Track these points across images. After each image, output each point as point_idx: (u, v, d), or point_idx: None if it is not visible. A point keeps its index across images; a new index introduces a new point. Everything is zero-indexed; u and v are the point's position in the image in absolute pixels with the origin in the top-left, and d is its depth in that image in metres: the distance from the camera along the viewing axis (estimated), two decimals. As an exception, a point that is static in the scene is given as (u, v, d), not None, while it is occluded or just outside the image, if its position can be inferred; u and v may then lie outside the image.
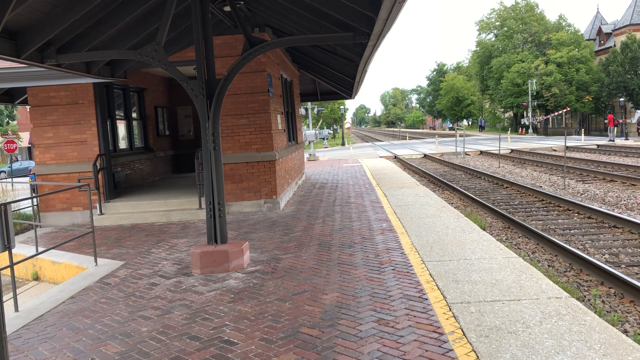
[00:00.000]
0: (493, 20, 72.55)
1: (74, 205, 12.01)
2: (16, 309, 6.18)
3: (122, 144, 14.05)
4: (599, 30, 61.01)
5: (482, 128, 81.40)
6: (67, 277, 8.15)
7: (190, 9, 7.47)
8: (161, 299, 6.17)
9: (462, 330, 4.63)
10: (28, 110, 12.15)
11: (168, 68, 7.32)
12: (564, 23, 66.00)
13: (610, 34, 58.34)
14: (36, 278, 9.43)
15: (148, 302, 6.09)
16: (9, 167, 27.24)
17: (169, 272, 7.31)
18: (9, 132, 36.86)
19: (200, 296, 6.16)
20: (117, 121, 13.55)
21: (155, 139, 16.00)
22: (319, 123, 62.09)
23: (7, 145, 26.84)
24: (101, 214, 11.59)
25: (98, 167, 11.52)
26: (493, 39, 73.20)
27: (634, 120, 43.07)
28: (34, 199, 11.76)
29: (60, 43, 8.04)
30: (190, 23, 9.58)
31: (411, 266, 6.72)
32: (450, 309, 5.15)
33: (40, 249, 8.57)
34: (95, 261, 8.04)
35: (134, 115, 14.84)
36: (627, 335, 4.69)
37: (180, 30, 10.46)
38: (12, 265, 6.11)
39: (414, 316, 5.02)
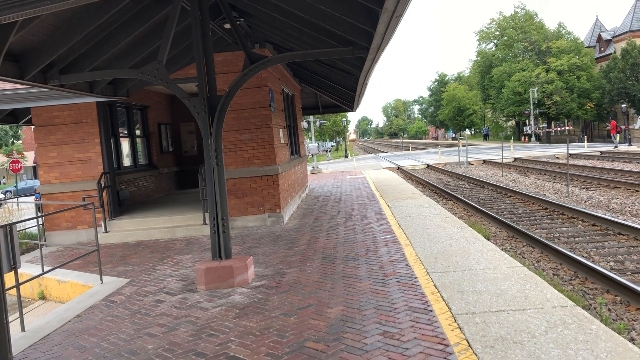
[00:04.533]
0: (493, 30, 72.90)
1: (79, 223, 12.06)
2: (22, 329, 6.20)
3: (126, 162, 14.13)
4: (599, 37, 61.17)
5: (486, 137, 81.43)
6: (73, 295, 8.17)
7: (190, 27, 7.56)
8: (167, 315, 6.19)
9: (467, 341, 4.62)
10: (32, 129, 12.24)
11: (170, 86, 7.39)
12: (563, 31, 66.26)
13: (610, 40, 58.49)
14: (42, 297, 9.46)
15: (154, 319, 6.10)
16: (15, 186, 27.41)
17: (174, 289, 7.32)
18: (14, 151, 37.09)
19: (206, 312, 6.17)
20: (121, 139, 13.64)
21: (159, 155, 16.09)
22: (316, 135, 62.15)
23: (13, 165, 27.01)
24: (106, 231, 11.63)
25: (102, 185, 11.59)
26: (493, 48, 73.50)
27: (637, 126, 43.04)
28: (39, 218, 11.82)
29: (63, 64, 8.14)
30: (191, 41, 9.69)
31: (416, 278, 6.72)
32: (455, 320, 5.14)
33: (46, 268, 8.59)
34: (101, 279, 8.07)
35: (138, 132, 14.94)
36: (633, 344, 4.69)
37: (182, 48, 10.57)
38: (18, 285, 6.14)
39: (419, 328, 5.02)
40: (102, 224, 11.64)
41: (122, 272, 8.65)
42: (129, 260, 9.49)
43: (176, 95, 7.50)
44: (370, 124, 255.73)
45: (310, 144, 37.10)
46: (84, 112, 11.88)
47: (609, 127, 45.67)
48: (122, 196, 12.97)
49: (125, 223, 11.83)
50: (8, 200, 21.43)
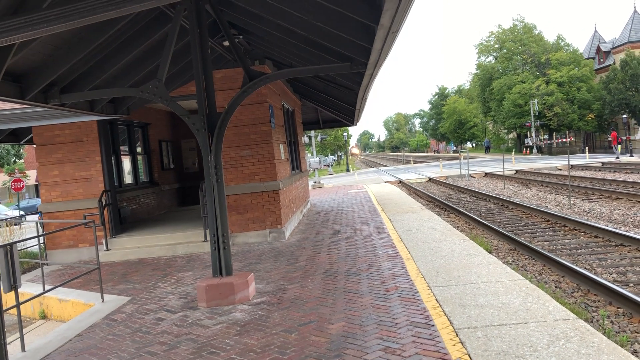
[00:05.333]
0: (492, 43, 73.25)
1: (80, 242, 12.06)
2: (23, 349, 6.17)
3: (128, 179, 14.16)
4: (598, 49, 61.43)
5: (487, 149, 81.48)
6: (74, 314, 8.15)
7: (190, 45, 7.62)
8: (167, 333, 6.16)
9: (469, 356, 4.59)
10: (34, 148, 12.29)
11: (169, 104, 7.44)
12: (562, 43, 66.54)
13: (609, 52, 58.73)
14: (43, 316, 9.43)
15: (155, 337, 6.08)
16: (16, 205, 27.48)
17: (175, 307, 7.30)
18: (16, 170, 37.18)
19: (207, 330, 6.15)
20: (122, 156, 13.70)
21: (160, 172, 16.13)
22: (317, 150, 62.25)
23: (15, 184, 27.06)
24: (107, 249, 11.62)
25: (104, 203, 11.60)
26: (493, 61, 73.79)
27: (638, 136, 43.04)
28: (41, 237, 11.83)
29: (63, 83, 8.21)
30: (190, 59, 9.75)
31: (417, 292, 6.69)
32: (457, 334, 5.11)
33: (47, 287, 8.59)
34: (102, 297, 8.05)
35: (139, 149, 15.00)
36: (636, 356, 4.65)
37: (181, 66, 10.65)
38: (18, 305, 6.13)
39: (421, 343, 4.99)
40: (104, 242, 11.64)
41: (123, 290, 8.63)
42: (130, 278, 9.47)
43: (176, 112, 7.55)
44: (372, 138, 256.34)
45: (311, 159, 37.17)
46: (84, 130, 11.94)
47: (610, 138, 45.70)
48: (123, 214, 12.98)
49: (127, 241, 11.83)
50: (12, 219, 21.46)
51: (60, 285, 8.31)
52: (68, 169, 12.02)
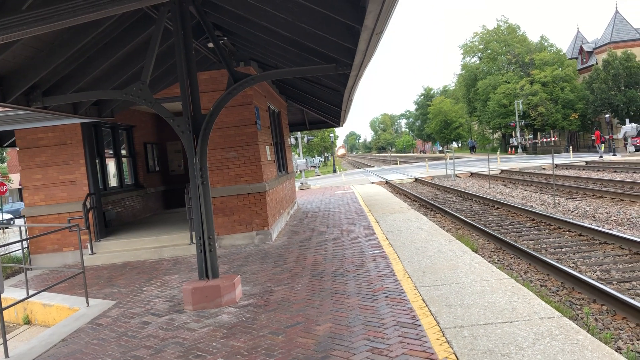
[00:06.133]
0: (477, 43, 73.79)
1: (64, 245, 11.94)
2: (6, 355, 6.09)
3: (113, 182, 14.05)
4: (581, 49, 62.12)
5: (473, 149, 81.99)
6: (59, 319, 8.06)
7: (174, 47, 7.58)
8: (154, 337, 6.12)
9: (455, 355, 4.61)
10: (17, 152, 12.15)
11: (154, 106, 7.39)
12: (546, 43, 67.21)
13: (592, 52, 59.42)
14: (27, 322, 9.31)
15: (140, 341, 6.03)
16: (0, 210, 27.12)
17: (161, 310, 7.25)
18: (-1, 174, 36.71)
19: (193, 333, 6.11)
20: (107, 159, 13.59)
21: (146, 175, 16.02)
22: (304, 151, 62.27)
23: (-3, 188, 26.72)
24: (92, 253, 11.52)
25: (88, 206, 11.49)
26: (477, 61, 74.32)
27: (621, 135, 43.56)
28: (24, 242, 11.68)
29: (46, 86, 8.12)
30: (174, 61, 9.69)
31: (404, 292, 6.71)
32: (443, 334, 5.13)
33: (31, 292, 8.48)
34: (87, 302, 7.97)
35: (124, 152, 14.88)
36: (620, 353, 4.70)
37: (166, 68, 10.58)
38: (1, 310, 6.04)
39: (408, 343, 5.01)
40: (89, 245, 11.53)
41: (108, 294, 8.56)
42: (115, 282, 9.39)
43: (160, 115, 7.50)
44: (358, 139, 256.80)
45: (298, 160, 37.18)
46: (68, 133, 11.82)
47: (593, 138, 46.23)
48: (108, 217, 12.88)
49: (112, 244, 11.73)
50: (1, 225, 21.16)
51: (44, 290, 8.23)
52: (52, 172, 11.89)
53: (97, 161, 12.47)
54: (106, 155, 13.54)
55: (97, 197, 11.98)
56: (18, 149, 12.08)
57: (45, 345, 6.28)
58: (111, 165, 14.10)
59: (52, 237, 11.88)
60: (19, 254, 14.59)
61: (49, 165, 11.88)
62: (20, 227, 11.42)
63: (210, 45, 9.71)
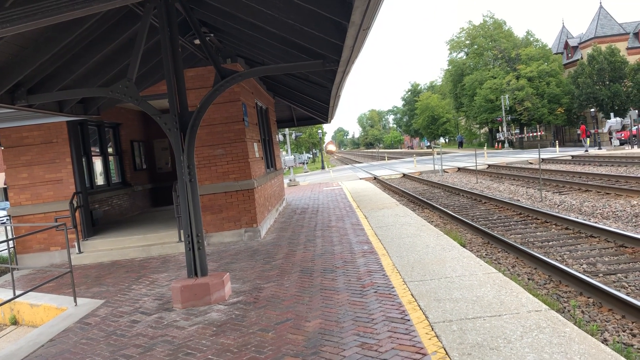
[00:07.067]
0: (463, 39, 74.07)
1: (51, 245, 11.84)
2: (-6, 356, 6.04)
3: (99, 180, 13.95)
4: (566, 44, 62.62)
5: (460, 144, 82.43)
6: (47, 319, 8.00)
7: (160, 43, 7.53)
8: (143, 336, 6.09)
9: (444, 349, 4.64)
10: (1, 151, 12.01)
11: (140, 103, 7.34)
12: (531, 38, 67.63)
13: (577, 47, 59.93)
14: (15, 322, 9.23)
15: (129, 340, 6.01)
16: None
17: (150, 308, 7.22)
18: (-16, 173, 36.29)
19: (182, 331, 6.10)
20: (93, 157, 13.48)
21: (133, 173, 15.92)
22: (292, 148, 62.22)
23: (-18, 188, 26.43)
24: (80, 252, 11.43)
25: (75, 205, 11.40)
26: (464, 57, 74.64)
27: (606, 129, 44.00)
28: (10, 241, 11.57)
29: (31, 84, 8.03)
30: (161, 57, 9.63)
31: (393, 287, 6.74)
32: (432, 328, 5.17)
33: (18, 292, 8.40)
34: (75, 301, 7.91)
35: (110, 150, 14.78)
36: (606, 344, 4.76)
37: (152, 65, 10.51)
38: (-12, 311, 5.99)
39: (397, 338, 5.03)
40: (76, 244, 11.44)
41: (96, 293, 8.50)
42: (103, 281, 9.34)
43: (147, 112, 7.45)
44: (346, 135, 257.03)
45: (286, 157, 37.12)
46: (54, 131, 11.71)
47: (579, 132, 46.65)
48: (95, 216, 12.78)
49: (100, 243, 11.65)
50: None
51: (31, 290, 8.16)
52: (37, 171, 11.78)
53: (83, 159, 12.36)
54: (93, 153, 13.43)
55: (84, 195, 11.89)
56: (3, 148, 11.94)
57: (32, 346, 6.23)
58: (98, 164, 14.00)
59: (39, 237, 11.78)
60: (5, 254, 14.46)
61: (34, 164, 11.76)
62: (5, 227, 11.30)
63: (197, 42, 9.65)
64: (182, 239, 11.18)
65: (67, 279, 9.35)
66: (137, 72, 7.48)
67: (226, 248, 11.13)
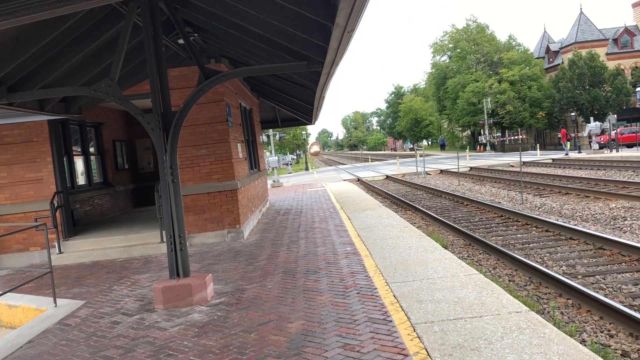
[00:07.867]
0: (446, 42, 74.58)
1: (31, 245, 11.68)
2: (-29, 358, 5.95)
3: (81, 180, 13.80)
4: (547, 49, 63.40)
5: (443, 147, 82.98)
6: (26, 320, 7.89)
7: (143, 43, 7.48)
8: (124, 337, 6.04)
9: (426, 350, 4.68)
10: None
11: (123, 103, 7.29)
12: (514, 43, 68.32)
13: (558, 51, 60.71)
14: (-8, 323, 9.09)
15: (110, 341, 5.96)
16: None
17: (132, 309, 7.17)
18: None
19: (164, 332, 6.06)
20: (75, 157, 13.33)
21: (115, 173, 15.78)
22: (276, 149, 62.14)
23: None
24: (60, 252, 11.30)
25: (55, 205, 11.26)
26: (447, 60, 75.16)
27: (585, 133, 44.62)
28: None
29: (11, 82, 7.93)
30: (144, 57, 9.57)
31: (375, 289, 6.77)
32: (414, 329, 5.20)
33: (-4, 293, 8.28)
34: (55, 302, 7.82)
35: (92, 150, 14.63)
36: (584, 345, 4.84)
37: (135, 64, 10.43)
38: (-35, 312, 5.89)
39: (379, 339, 5.06)
40: (56, 244, 11.30)
41: (77, 293, 8.41)
42: (84, 282, 9.24)
43: (129, 111, 7.40)
44: (330, 137, 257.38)
45: (270, 158, 37.03)
46: (34, 130, 11.56)
47: (559, 135, 47.25)
48: (76, 216, 12.64)
49: (80, 243, 11.53)
50: None
51: (9, 291, 8.03)
52: (17, 170, 11.61)
53: (64, 159, 12.22)
54: (74, 152, 13.29)
55: (65, 195, 11.75)
56: (-19, 147, 11.76)
57: (10, 347, 6.15)
58: (79, 163, 13.85)
59: (18, 237, 11.61)
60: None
61: (14, 163, 11.60)
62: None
63: (181, 41, 9.61)
64: (164, 239, 11.08)
65: (47, 280, 9.24)
66: (120, 71, 7.42)
67: (209, 249, 11.08)
